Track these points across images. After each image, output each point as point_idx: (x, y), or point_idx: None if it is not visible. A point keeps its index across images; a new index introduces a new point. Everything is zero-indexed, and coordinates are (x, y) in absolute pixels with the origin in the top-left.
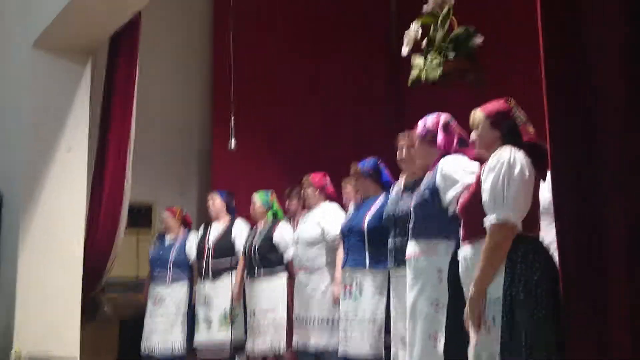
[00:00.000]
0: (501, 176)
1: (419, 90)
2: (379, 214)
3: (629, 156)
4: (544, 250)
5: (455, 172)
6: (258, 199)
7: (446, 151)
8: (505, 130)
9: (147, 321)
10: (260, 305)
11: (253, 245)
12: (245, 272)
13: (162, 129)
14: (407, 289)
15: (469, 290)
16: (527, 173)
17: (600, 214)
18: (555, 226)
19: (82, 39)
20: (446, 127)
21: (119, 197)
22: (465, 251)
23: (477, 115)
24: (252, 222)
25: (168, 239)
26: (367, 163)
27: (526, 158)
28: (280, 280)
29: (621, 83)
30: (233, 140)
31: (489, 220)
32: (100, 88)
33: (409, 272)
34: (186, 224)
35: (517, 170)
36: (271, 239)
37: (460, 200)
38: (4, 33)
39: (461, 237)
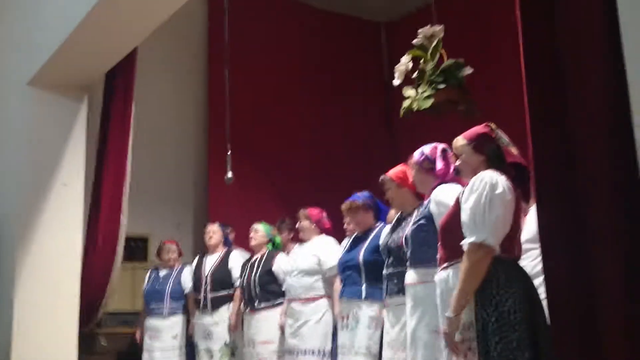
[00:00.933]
0: (482, 197)
1: (411, 123)
2: (374, 246)
3: (613, 187)
4: (520, 273)
5: (448, 199)
6: (262, 228)
7: (443, 179)
8: (489, 154)
9: (145, 356)
10: (260, 336)
11: (252, 277)
12: (244, 303)
13: (158, 162)
14: (407, 317)
15: (443, 312)
16: (508, 196)
17: (588, 247)
18: (542, 258)
19: (78, 76)
20: (444, 155)
21: (115, 231)
22: (442, 274)
23: (460, 142)
24: (249, 250)
25: (163, 271)
26: (365, 196)
27: (508, 181)
28: (279, 311)
29: (603, 116)
30: (230, 174)
31: (467, 240)
32: (96, 123)
33: (408, 299)
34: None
35: (498, 193)
36: (270, 270)
37: (440, 221)
38: (0, 70)
39: (438, 259)
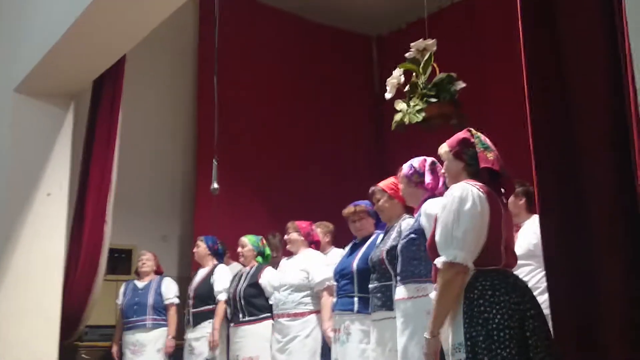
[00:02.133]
0: (451, 214)
1: (401, 137)
2: (367, 256)
3: (614, 197)
4: (507, 285)
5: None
6: (248, 242)
7: (432, 192)
8: (467, 160)
9: None
10: (244, 351)
11: (238, 290)
12: (230, 317)
13: (144, 172)
14: (398, 333)
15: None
16: (479, 208)
17: (590, 256)
18: (545, 268)
19: (65, 84)
20: (433, 168)
21: (98, 242)
22: (435, 293)
23: (442, 149)
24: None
25: (140, 283)
26: (367, 202)
27: (481, 191)
28: (265, 326)
29: (603, 124)
30: (215, 184)
31: (439, 260)
32: (82, 131)
33: (398, 315)
34: (159, 271)
35: (467, 207)
36: (256, 283)
37: (428, 241)
38: None
39: (432, 277)
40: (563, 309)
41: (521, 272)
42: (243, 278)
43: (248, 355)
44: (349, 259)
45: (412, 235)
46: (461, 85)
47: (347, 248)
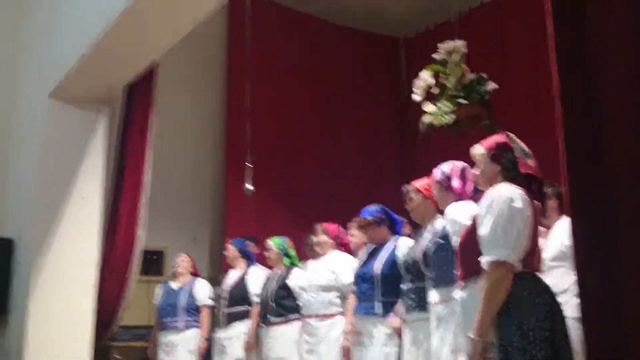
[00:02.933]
0: (502, 212)
1: (429, 139)
2: (390, 260)
3: None
4: (541, 288)
5: (461, 217)
6: (273, 244)
7: (460, 197)
8: (505, 164)
9: None
10: (275, 352)
11: (268, 292)
12: (261, 318)
13: (175, 175)
14: (432, 335)
15: (465, 332)
16: (527, 212)
17: (621, 262)
18: (577, 274)
19: (98, 89)
20: (462, 174)
21: (131, 245)
22: (461, 293)
23: (477, 150)
24: (269, 268)
25: (175, 285)
26: (375, 210)
27: (524, 195)
28: (294, 328)
29: (636, 126)
30: (249, 185)
31: (487, 259)
32: (115, 136)
33: (432, 318)
34: (195, 273)
35: (517, 207)
36: (286, 285)
37: (459, 239)
38: (20, 83)
39: (458, 277)
40: (594, 311)
41: (553, 273)
42: (274, 280)
43: (277, 356)
44: (369, 263)
45: (441, 241)
46: (492, 86)
47: (365, 252)
